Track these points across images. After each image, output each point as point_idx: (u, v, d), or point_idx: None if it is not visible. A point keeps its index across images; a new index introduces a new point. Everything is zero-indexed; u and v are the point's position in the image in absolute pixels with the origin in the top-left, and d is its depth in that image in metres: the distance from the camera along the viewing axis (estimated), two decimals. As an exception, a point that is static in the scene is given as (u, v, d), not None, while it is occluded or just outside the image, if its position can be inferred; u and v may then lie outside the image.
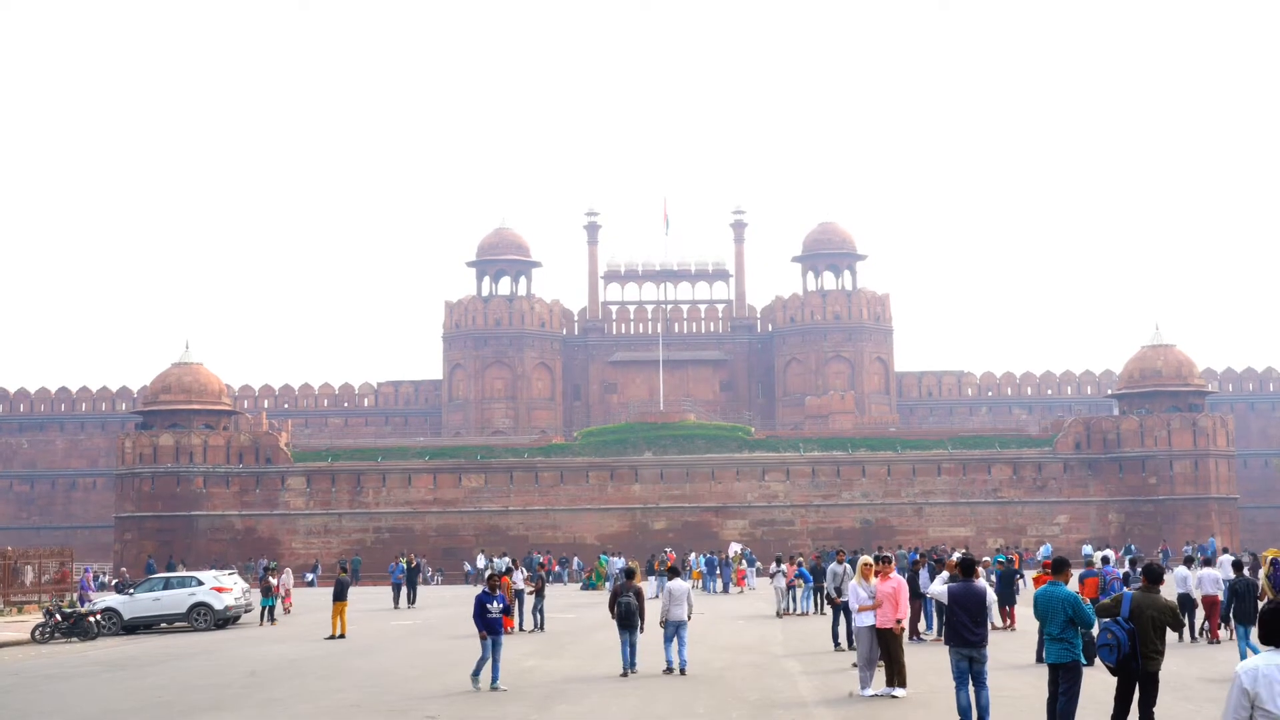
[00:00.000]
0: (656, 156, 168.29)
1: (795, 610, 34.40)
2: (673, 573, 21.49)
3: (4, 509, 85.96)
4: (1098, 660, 12.72)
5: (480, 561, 56.04)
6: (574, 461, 67.36)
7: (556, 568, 58.95)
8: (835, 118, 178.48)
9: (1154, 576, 12.74)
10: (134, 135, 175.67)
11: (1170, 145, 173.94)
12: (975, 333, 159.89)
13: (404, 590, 41.55)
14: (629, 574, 21.21)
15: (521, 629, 29.76)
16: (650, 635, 22.08)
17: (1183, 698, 16.25)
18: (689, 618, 20.41)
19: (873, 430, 74.92)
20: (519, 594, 30.79)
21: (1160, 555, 57.79)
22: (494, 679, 18.69)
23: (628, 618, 19.94)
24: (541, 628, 30.01)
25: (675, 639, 20.14)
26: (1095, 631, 12.70)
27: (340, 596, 29.76)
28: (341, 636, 28.79)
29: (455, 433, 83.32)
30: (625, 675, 19.87)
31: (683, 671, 19.89)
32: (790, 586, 35.09)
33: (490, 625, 18.82)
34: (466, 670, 20.84)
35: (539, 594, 30.82)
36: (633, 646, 20.17)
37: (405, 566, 42.35)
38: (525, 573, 32.06)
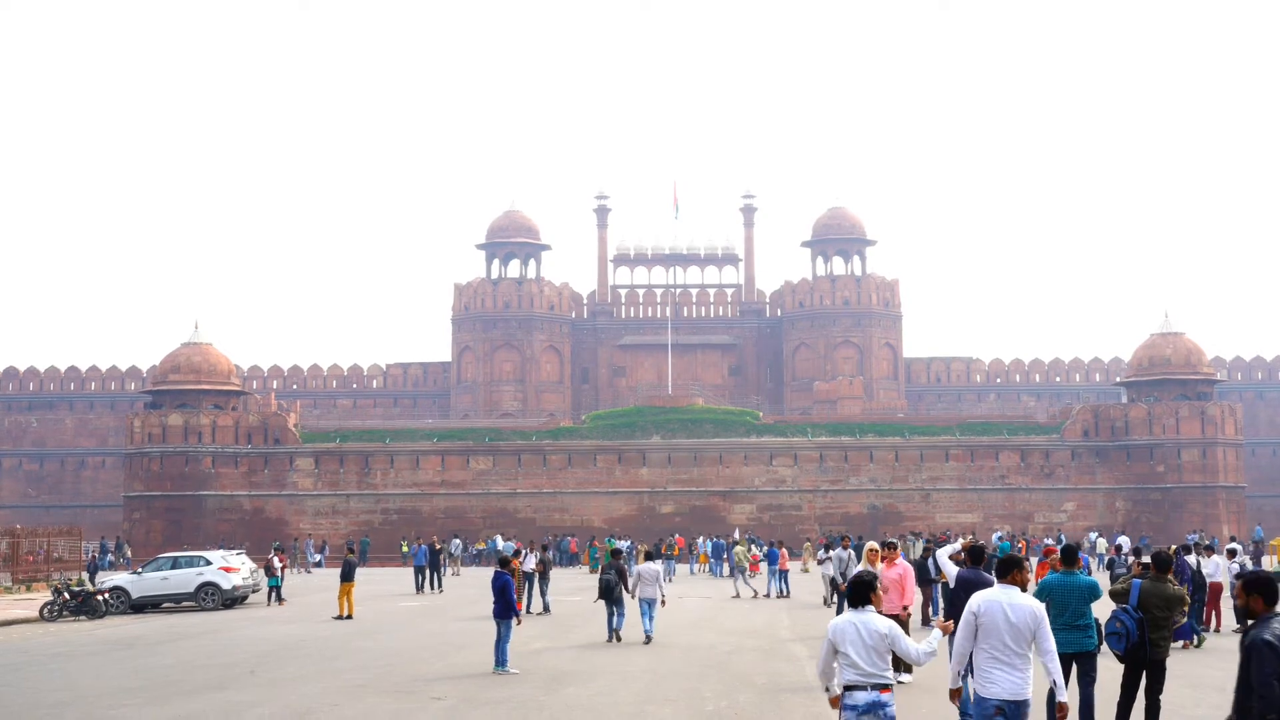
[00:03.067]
0: (666, 140, 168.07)
1: (746, 592, 35.36)
2: (648, 556, 25.07)
3: (13, 487, 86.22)
4: (1104, 647, 12.68)
5: (499, 542, 56.41)
6: (582, 445, 67.40)
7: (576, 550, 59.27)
8: (846, 102, 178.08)
9: (1162, 565, 12.69)
10: (145, 115, 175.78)
11: (1180, 132, 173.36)
12: (984, 319, 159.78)
13: (428, 574, 39.40)
14: (614, 554, 24.91)
15: (529, 612, 29.73)
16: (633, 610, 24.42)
17: (1188, 684, 16.25)
18: (660, 597, 23.34)
19: (881, 416, 74.86)
20: (528, 577, 30.76)
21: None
22: (505, 661, 18.65)
23: (608, 592, 23.08)
24: (546, 610, 30.03)
25: (647, 614, 23.04)
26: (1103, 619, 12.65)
27: (348, 578, 29.78)
28: (349, 617, 28.84)
29: (463, 415, 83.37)
30: (610, 642, 22.76)
31: (648, 639, 22.54)
32: (734, 569, 36.96)
33: (509, 607, 18.81)
34: (474, 652, 20.91)
35: (544, 577, 30.87)
36: (620, 616, 23.19)
37: (430, 549, 39.97)
38: (535, 557, 32.05)
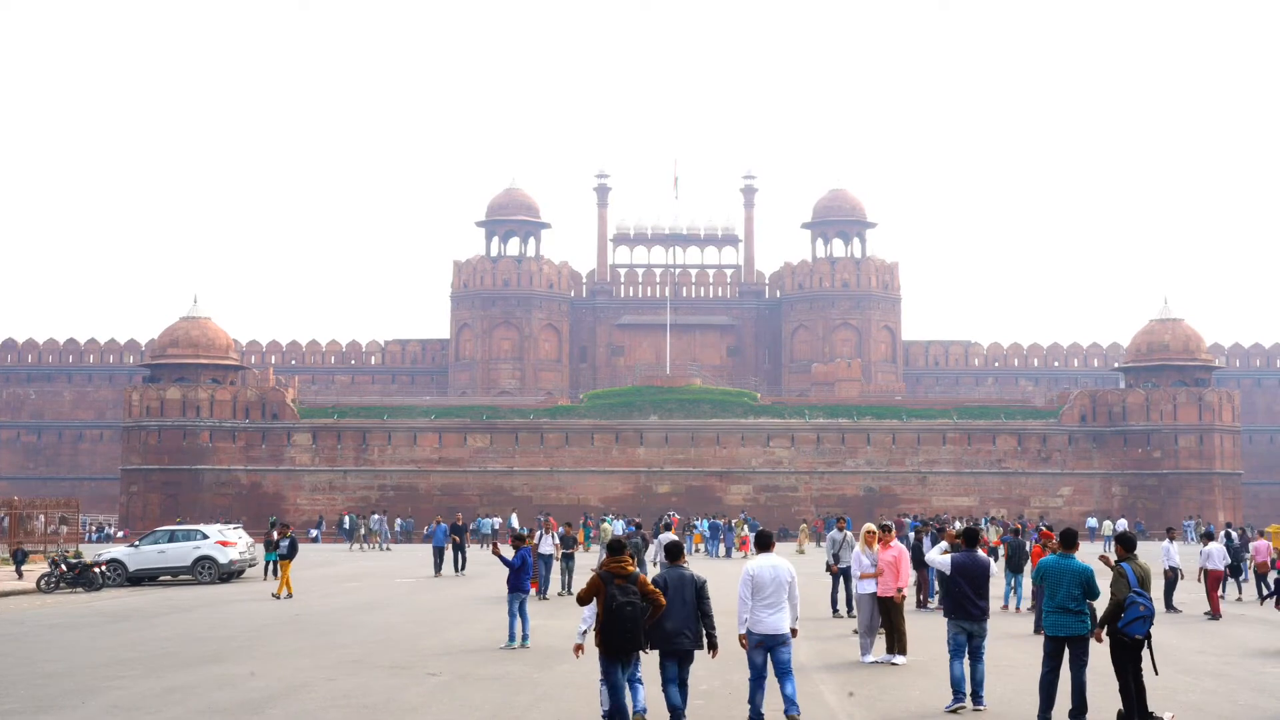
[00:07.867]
0: (667, 119, 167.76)
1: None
2: (665, 528, 31.24)
3: (11, 459, 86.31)
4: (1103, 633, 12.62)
5: (515, 522, 56.56)
6: (579, 423, 67.44)
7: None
8: (847, 84, 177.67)
9: (1129, 545, 12.65)
10: (146, 90, 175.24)
11: (1181, 119, 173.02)
12: (983, 303, 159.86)
13: (453, 555, 36.58)
14: (637, 528, 31.74)
15: (543, 596, 28.75)
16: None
17: (1182, 670, 16.27)
18: None
19: (878, 398, 74.89)
20: (544, 559, 29.93)
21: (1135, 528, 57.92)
22: (514, 637, 18.71)
23: (635, 554, 26.14)
24: (570, 590, 29.02)
25: None
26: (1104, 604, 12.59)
27: (288, 556, 29.44)
28: (288, 596, 27.95)
29: (461, 392, 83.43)
30: None
31: None
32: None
33: (524, 583, 18.85)
34: (471, 628, 20.96)
35: (570, 557, 30.16)
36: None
37: (453, 528, 37.49)
38: (555, 537, 31.62)
